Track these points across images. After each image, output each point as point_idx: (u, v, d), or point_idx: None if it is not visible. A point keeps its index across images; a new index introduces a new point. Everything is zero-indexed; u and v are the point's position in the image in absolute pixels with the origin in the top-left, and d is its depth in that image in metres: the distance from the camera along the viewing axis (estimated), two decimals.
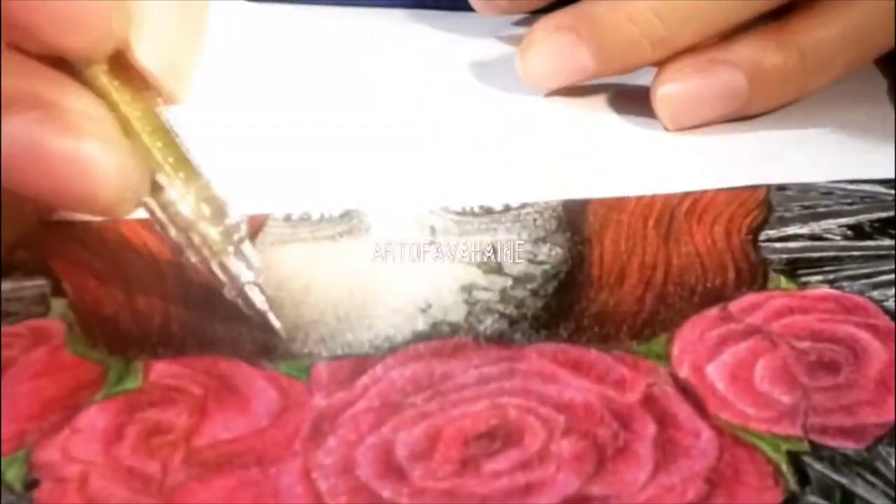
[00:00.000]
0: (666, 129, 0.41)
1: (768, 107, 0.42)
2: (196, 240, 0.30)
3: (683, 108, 0.41)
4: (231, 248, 0.30)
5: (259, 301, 0.30)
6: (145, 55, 0.31)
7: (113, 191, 0.29)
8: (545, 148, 0.40)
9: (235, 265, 0.30)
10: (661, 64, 0.41)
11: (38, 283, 0.33)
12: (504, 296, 0.32)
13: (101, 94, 0.30)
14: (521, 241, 0.34)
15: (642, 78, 0.42)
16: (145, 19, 0.31)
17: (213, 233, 0.30)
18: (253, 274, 0.30)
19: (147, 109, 0.31)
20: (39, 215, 0.35)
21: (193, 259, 0.30)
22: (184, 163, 0.31)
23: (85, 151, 0.29)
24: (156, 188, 0.30)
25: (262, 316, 0.30)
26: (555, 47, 0.42)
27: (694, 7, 0.41)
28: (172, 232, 0.30)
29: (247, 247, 0.30)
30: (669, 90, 0.41)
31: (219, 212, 0.30)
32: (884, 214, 0.35)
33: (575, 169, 0.39)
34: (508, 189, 0.37)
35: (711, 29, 0.41)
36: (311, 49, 0.47)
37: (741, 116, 0.42)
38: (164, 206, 0.30)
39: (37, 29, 0.29)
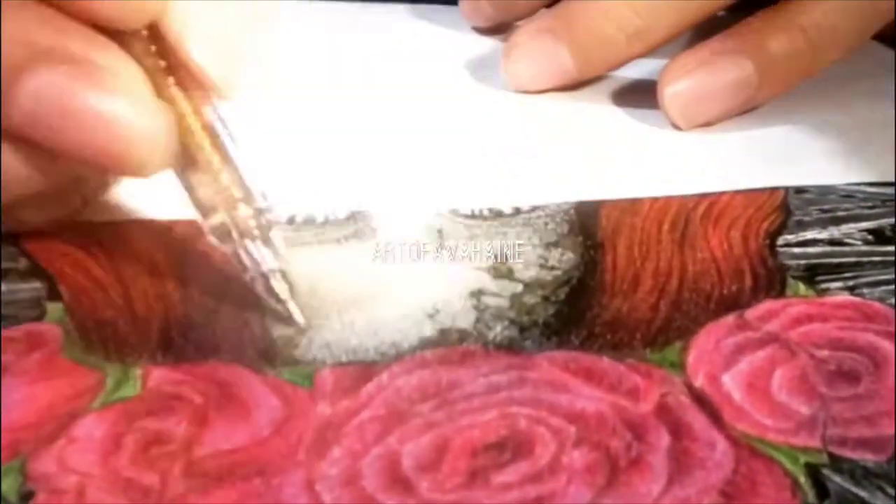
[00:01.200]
0: (678, 128, 0.41)
1: (778, 92, 0.42)
2: (226, 220, 0.31)
3: (694, 105, 0.41)
4: (258, 233, 0.31)
5: (282, 290, 0.31)
6: (197, 51, 0.32)
7: (141, 149, 0.30)
8: (556, 148, 0.40)
9: (261, 251, 0.31)
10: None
11: (34, 286, 0.32)
12: (514, 302, 0.32)
13: (137, 60, 0.31)
14: (532, 246, 0.34)
15: (656, 75, 0.42)
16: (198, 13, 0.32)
17: (244, 214, 0.31)
18: (278, 262, 0.31)
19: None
20: (83, 192, 0.35)
21: (219, 241, 0.31)
22: (219, 144, 0.31)
23: (114, 107, 0.29)
24: (189, 162, 0.31)
25: (283, 305, 0.31)
26: (535, 50, 0.43)
27: None
28: (200, 210, 0.31)
29: (275, 234, 0.31)
30: (677, 88, 0.41)
31: (250, 195, 0.31)
32: None
33: (587, 170, 0.38)
34: (519, 191, 0.37)
35: (687, 20, 0.42)
36: (317, 46, 0.47)
37: (753, 106, 0.42)
38: (197, 183, 0.31)
39: None
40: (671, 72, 0.41)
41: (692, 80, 0.41)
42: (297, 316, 0.31)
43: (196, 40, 0.32)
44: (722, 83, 0.41)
